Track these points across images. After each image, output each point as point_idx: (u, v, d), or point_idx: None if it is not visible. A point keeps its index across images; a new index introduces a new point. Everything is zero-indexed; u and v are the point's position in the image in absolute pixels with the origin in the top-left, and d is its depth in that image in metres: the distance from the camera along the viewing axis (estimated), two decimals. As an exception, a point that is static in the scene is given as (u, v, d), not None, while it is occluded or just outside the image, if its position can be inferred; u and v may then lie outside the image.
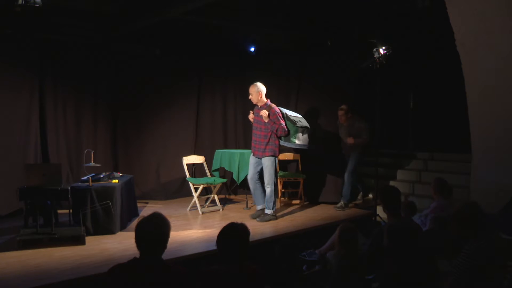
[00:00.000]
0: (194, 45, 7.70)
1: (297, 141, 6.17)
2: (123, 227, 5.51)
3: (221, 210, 6.80)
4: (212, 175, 7.16)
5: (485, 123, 5.27)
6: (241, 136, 8.33)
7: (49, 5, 4.79)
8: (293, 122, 6.16)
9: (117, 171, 6.52)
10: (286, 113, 6.15)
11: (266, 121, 5.89)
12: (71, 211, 5.21)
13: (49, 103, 6.69)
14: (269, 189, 5.97)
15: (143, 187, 7.50)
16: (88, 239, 4.90)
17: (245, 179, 6.80)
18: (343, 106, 6.93)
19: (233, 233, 2.70)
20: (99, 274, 3.79)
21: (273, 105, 6.06)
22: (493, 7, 4.89)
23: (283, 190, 7.33)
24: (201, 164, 7.34)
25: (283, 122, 5.96)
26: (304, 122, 6.31)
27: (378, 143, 6.82)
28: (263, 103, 6.09)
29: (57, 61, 6.73)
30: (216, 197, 6.91)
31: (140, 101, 7.48)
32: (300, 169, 7.64)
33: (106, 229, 5.23)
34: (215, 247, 2.71)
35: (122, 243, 4.86)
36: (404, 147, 7.97)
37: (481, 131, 5.33)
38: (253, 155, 6.09)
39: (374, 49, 6.25)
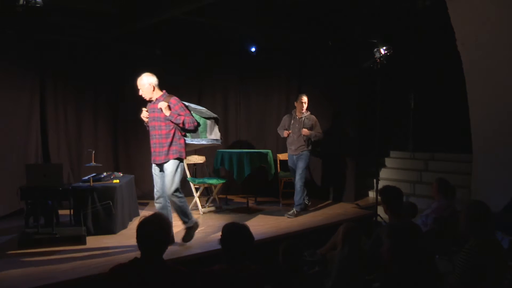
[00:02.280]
0: (194, 45, 7.71)
1: (209, 136, 5.33)
2: (123, 227, 5.51)
3: (222, 210, 6.79)
4: (212, 175, 7.16)
5: (486, 123, 5.28)
6: (241, 136, 8.33)
7: (50, 5, 4.79)
8: (199, 113, 5.29)
9: (117, 171, 6.54)
10: (188, 105, 5.11)
11: (167, 114, 4.67)
12: (72, 211, 5.21)
13: (49, 103, 6.70)
14: (176, 199, 4.70)
15: (144, 187, 7.49)
16: (89, 239, 4.90)
17: (246, 179, 6.80)
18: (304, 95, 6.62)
19: (238, 233, 2.71)
20: (100, 274, 3.79)
21: (173, 96, 4.91)
22: (494, 7, 4.90)
23: (284, 190, 7.32)
24: (202, 164, 7.34)
25: (188, 113, 4.82)
26: (210, 113, 5.45)
27: (379, 143, 6.81)
28: (158, 96, 4.90)
29: (58, 61, 6.74)
30: (216, 197, 6.91)
31: (140, 101, 7.46)
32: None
33: (107, 229, 5.23)
34: (215, 247, 2.71)
35: (122, 243, 4.86)
36: (405, 147, 7.97)
37: (482, 131, 5.34)
38: (156, 165, 4.80)
39: (375, 49, 6.25)
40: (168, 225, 2.55)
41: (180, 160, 4.74)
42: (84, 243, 4.76)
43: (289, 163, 6.69)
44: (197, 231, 4.85)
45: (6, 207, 5.99)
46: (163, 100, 4.78)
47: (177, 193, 4.67)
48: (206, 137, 5.32)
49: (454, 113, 6.89)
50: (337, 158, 7.67)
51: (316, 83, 7.91)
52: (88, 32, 6.75)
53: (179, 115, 4.69)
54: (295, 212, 6.33)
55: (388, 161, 8.13)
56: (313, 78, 7.95)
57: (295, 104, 6.73)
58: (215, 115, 5.50)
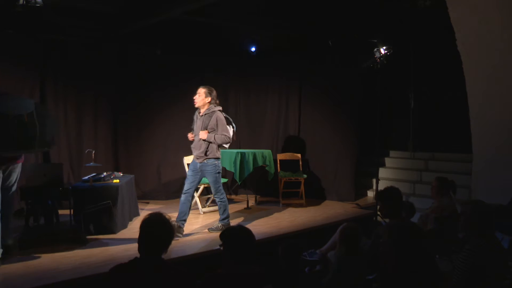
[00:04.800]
0: (194, 45, 7.71)
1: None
2: (124, 227, 5.51)
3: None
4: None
5: (486, 122, 5.28)
6: (241, 136, 8.33)
7: (50, 5, 4.80)
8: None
9: (118, 171, 6.54)
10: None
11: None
12: (72, 211, 5.21)
13: (50, 103, 6.69)
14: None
15: (144, 187, 7.50)
16: (89, 239, 4.91)
17: (246, 179, 6.81)
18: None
19: (240, 235, 2.71)
20: (100, 274, 3.79)
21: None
22: (494, 7, 4.90)
23: (284, 190, 7.32)
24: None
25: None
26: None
27: (379, 143, 6.81)
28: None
29: (58, 61, 6.74)
30: (217, 197, 6.90)
31: (141, 101, 7.48)
32: (301, 168, 7.64)
33: (107, 229, 5.23)
34: (216, 247, 2.71)
35: (123, 243, 4.86)
36: (405, 146, 7.97)
37: (482, 131, 5.34)
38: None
39: (375, 49, 6.26)
40: (170, 226, 2.55)
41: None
42: (84, 243, 4.76)
43: (190, 167, 5.47)
44: (198, 231, 4.85)
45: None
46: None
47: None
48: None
49: (454, 112, 6.89)
50: (337, 158, 7.67)
51: (316, 83, 7.92)
52: (88, 32, 6.75)
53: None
54: (219, 226, 5.39)
55: (388, 161, 8.13)
56: (313, 78, 7.96)
57: None
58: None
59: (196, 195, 6.55)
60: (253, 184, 7.71)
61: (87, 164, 5.64)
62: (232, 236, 2.73)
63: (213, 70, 8.05)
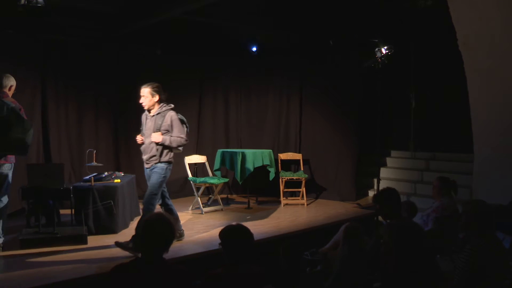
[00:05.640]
0: (195, 45, 7.71)
1: None
2: (125, 227, 5.52)
3: (223, 210, 6.80)
4: (214, 175, 7.16)
5: (487, 122, 5.27)
6: (242, 135, 8.34)
7: (51, 5, 4.79)
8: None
9: (119, 171, 6.54)
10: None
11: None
12: (73, 210, 5.22)
13: (51, 103, 6.70)
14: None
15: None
16: (90, 238, 4.91)
17: (247, 179, 6.81)
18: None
19: (238, 234, 2.72)
20: (101, 274, 3.80)
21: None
22: (495, 7, 4.90)
23: (285, 190, 7.32)
24: (203, 163, 7.34)
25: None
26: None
27: (380, 143, 6.80)
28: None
29: (59, 61, 6.74)
30: (218, 197, 6.91)
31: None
32: (301, 168, 7.64)
33: (108, 228, 5.24)
34: (216, 247, 2.71)
35: (124, 243, 4.86)
36: (406, 146, 7.96)
37: (483, 131, 5.33)
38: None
39: (376, 49, 6.25)
40: (171, 226, 2.55)
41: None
42: (85, 242, 4.76)
43: (146, 177, 5.02)
44: (199, 230, 4.84)
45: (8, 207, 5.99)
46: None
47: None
48: None
49: (455, 112, 6.88)
50: (338, 158, 7.67)
51: (316, 83, 7.92)
52: (88, 32, 6.76)
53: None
54: (129, 245, 4.43)
55: (389, 161, 8.12)
56: (314, 78, 7.96)
57: None
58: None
59: (198, 194, 6.55)
60: (254, 184, 7.70)
61: (88, 164, 5.65)
62: (230, 235, 2.73)
63: (213, 70, 8.05)
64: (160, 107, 4.72)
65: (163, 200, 4.93)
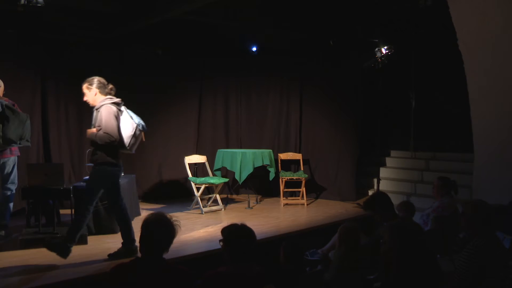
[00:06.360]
0: (195, 45, 7.71)
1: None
2: (125, 227, 5.51)
3: (223, 209, 6.80)
4: (214, 175, 7.16)
5: (488, 122, 5.27)
6: (242, 135, 8.33)
7: (51, 4, 4.79)
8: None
9: (119, 171, 6.53)
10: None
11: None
12: (73, 210, 5.20)
13: (51, 103, 6.70)
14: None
15: (145, 187, 7.50)
16: (90, 238, 4.91)
17: (247, 179, 6.81)
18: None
19: (243, 234, 2.71)
20: (101, 274, 3.79)
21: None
22: (495, 7, 4.89)
23: (285, 190, 7.32)
24: (203, 163, 7.34)
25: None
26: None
27: (380, 142, 6.81)
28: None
29: (59, 60, 6.74)
30: (218, 196, 6.91)
31: (142, 101, 7.46)
32: (302, 168, 7.64)
33: (108, 228, 5.24)
34: (217, 247, 2.71)
35: (124, 243, 4.86)
36: (406, 146, 7.96)
37: (483, 130, 5.33)
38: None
39: (376, 49, 6.26)
40: (172, 226, 2.55)
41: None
42: (85, 242, 4.76)
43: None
44: (199, 230, 4.84)
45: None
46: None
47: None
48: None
49: (455, 112, 6.88)
50: (338, 158, 7.67)
51: (317, 83, 7.92)
52: (88, 31, 6.76)
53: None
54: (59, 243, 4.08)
55: (388, 161, 8.13)
56: (314, 78, 7.96)
57: None
58: None
59: (198, 194, 6.55)
60: (254, 183, 7.71)
61: (88, 164, 5.63)
62: (235, 234, 2.72)
63: (213, 70, 8.05)
64: (99, 102, 4.32)
65: (115, 203, 4.40)
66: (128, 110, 4.50)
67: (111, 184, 4.27)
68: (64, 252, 4.00)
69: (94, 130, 4.23)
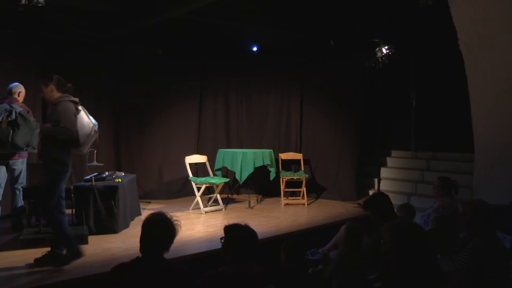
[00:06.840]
0: (195, 45, 7.71)
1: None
2: (125, 227, 5.52)
3: (223, 209, 6.80)
4: (214, 175, 7.17)
5: (488, 122, 5.27)
6: (243, 135, 8.34)
7: (51, 4, 4.79)
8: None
9: (119, 171, 6.54)
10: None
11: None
12: (73, 210, 5.22)
13: (51, 103, 6.69)
14: None
15: (146, 187, 7.51)
16: (91, 238, 4.91)
17: (248, 179, 6.81)
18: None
19: (245, 234, 2.71)
20: (102, 274, 3.79)
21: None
22: (496, 7, 4.89)
23: (285, 190, 7.32)
24: (204, 163, 7.35)
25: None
26: None
27: (381, 143, 6.80)
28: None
29: (59, 60, 6.73)
30: (218, 196, 6.92)
31: (141, 101, 7.49)
32: (302, 168, 7.64)
33: (108, 228, 5.24)
34: (217, 247, 2.71)
35: (124, 243, 4.88)
36: (407, 146, 7.96)
37: (483, 130, 5.33)
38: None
39: (377, 49, 6.25)
40: (172, 226, 2.55)
41: None
42: (86, 242, 4.76)
43: None
44: (199, 230, 4.84)
45: (9, 207, 5.99)
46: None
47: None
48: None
49: (456, 112, 6.87)
50: (338, 157, 7.67)
51: (317, 83, 7.92)
52: (88, 31, 6.76)
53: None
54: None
55: (389, 161, 8.12)
56: (314, 78, 7.96)
57: None
58: None
59: (198, 194, 6.56)
60: (254, 183, 7.72)
61: (89, 164, 5.65)
62: (237, 234, 2.72)
63: (213, 70, 8.05)
64: (56, 98, 4.17)
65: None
66: (85, 110, 4.39)
67: (58, 182, 4.10)
68: (75, 257, 4.13)
69: (48, 125, 4.08)
